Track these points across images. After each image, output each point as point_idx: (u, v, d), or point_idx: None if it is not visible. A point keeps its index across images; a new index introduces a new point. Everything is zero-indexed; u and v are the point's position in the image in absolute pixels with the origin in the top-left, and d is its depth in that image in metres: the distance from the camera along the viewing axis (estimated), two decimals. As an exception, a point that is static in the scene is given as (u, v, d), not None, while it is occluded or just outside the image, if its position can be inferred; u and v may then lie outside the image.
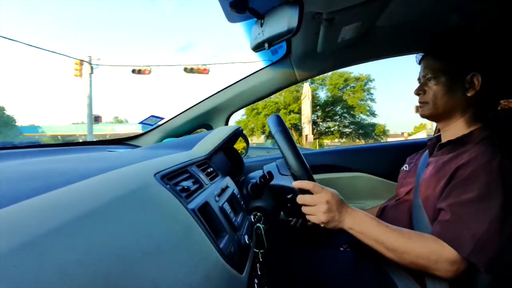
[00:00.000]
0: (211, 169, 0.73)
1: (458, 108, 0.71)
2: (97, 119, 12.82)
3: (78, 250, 0.25)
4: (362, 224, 0.62)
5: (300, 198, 0.66)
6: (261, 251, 0.69)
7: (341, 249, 0.87)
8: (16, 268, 0.21)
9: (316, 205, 0.63)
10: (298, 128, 17.44)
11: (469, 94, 0.69)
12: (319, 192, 0.64)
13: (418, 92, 0.76)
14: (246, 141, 1.32)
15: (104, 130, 18.42)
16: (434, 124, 1.05)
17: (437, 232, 0.60)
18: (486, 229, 0.55)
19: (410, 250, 0.58)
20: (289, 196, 0.77)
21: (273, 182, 0.82)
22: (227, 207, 0.59)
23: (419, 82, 0.77)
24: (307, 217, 0.65)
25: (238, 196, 0.74)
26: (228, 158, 0.86)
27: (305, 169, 0.72)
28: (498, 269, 0.57)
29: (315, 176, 0.77)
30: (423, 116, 0.76)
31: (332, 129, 19.13)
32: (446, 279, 0.58)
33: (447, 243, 0.57)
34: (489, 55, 0.70)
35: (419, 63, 0.79)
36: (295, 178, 0.70)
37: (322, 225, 0.64)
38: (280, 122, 0.77)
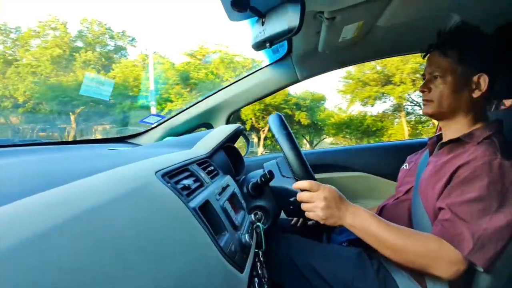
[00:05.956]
0: (212, 167, 0.73)
1: (462, 108, 0.70)
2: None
3: (79, 249, 0.25)
4: (363, 221, 0.62)
5: (299, 196, 0.67)
6: (261, 250, 0.69)
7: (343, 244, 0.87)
8: (16, 266, 0.21)
9: (314, 202, 0.64)
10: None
11: (474, 95, 0.68)
12: (317, 190, 0.65)
13: (424, 89, 0.73)
14: (247, 140, 1.33)
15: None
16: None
17: (437, 231, 0.60)
18: (485, 228, 0.55)
19: (410, 249, 0.58)
20: (291, 199, 0.78)
21: (276, 184, 0.83)
22: (227, 205, 0.59)
23: (424, 79, 0.75)
24: (306, 214, 0.66)
25: (239, 195, 0.74)
26: (229, 157, 0.87)
27: (307, 171, 0.75)
28: (498, 269, 0.57)
29: (316, 176, 0.78)
30: (426, 114, 0.74)
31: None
32: (446, 279, 0.58)
33: (446, 242, 0.57)
34: (498, 57, 0.69)
35: (424, 57, 0.77)
36: (297, 180, 0.72)
37: (321, 222, 0.64)
38: (283, 125, 0.79)
